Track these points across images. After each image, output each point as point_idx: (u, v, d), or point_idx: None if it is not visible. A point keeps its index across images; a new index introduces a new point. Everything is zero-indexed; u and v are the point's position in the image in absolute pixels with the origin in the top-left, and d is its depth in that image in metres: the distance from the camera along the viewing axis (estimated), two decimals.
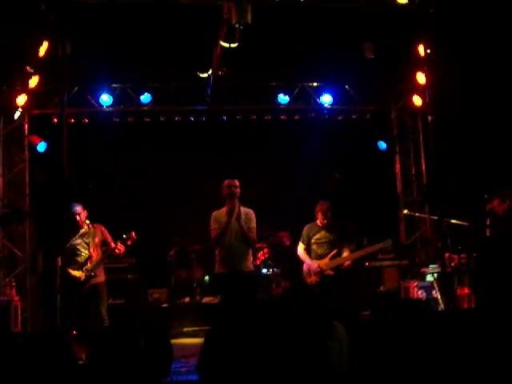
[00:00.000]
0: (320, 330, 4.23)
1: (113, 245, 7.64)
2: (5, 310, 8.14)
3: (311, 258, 7.87)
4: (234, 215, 7.18)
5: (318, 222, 7.89)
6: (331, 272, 7.69)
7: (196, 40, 8.00)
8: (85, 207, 7.71)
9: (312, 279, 7.74)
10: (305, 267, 7.91)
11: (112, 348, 2.99)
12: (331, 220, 7.85)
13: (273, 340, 2.42)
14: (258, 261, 9.19)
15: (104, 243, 7.69)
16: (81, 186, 8.45)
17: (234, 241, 7.19)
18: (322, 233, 7.87)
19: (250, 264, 7.37)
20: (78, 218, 7.62)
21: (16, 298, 8.47)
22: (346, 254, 7.81)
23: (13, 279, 8.90)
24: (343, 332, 4.59)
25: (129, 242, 7.62)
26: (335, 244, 7.81)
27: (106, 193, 9.54)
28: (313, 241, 7.89)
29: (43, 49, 8.01)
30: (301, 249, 8.01)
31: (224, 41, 7.32)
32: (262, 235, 8.68)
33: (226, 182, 7.26)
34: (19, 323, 8.44)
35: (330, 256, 7.75)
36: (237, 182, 7.25)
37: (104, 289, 7.66)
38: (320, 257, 7.82)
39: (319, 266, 7.74)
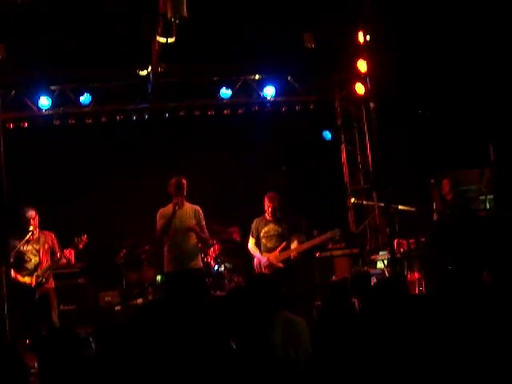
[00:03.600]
0: (265, 322, 4.23)
1: (59, 255, 7.48)
2: None
3: (261, 252, 7.88)
4: (180, 211, 7.18)
5: (267, 215, 7.90)
6: (281, 265, 7.72)
7: (133, 36, 7.87)
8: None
9: (263, 273, 7.76)
10: (255, 261, 7.95)
11: (59, 355, 2.93)
12: (279, 212, 7.87)
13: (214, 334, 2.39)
14: (210, 258, 9.13)
15: (52, 251, 7.53)
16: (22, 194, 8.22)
17: (181, 239, 7.20)
18: (271, 226, 7.88)
19: (198, 262, 7.39)
20: (31, 222, 7.44)
21: None
22: (294, 245, 7.86)
23: None
24: (298, 322, 4.59)
25: (80, 246, 7.49)
26: (284, 237, 7.84)
27: (51, 197, 9.31)
28: (262, 234, 7.91)
29: None
30: (251, 243, 8.02)
31: (161, 36, 7.20)
32: (212, 231, 8.64)
33: (173, 179, 7.27)
34: None
35: (279, 249, 7.78)
36: (183, 180, 7.27)
37: (54, 295, 7.51)
38: (270, 250, 7.84)
39: (268, 260, 7.75)
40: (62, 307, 8.25)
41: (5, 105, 8.81)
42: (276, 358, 3.78)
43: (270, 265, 7.74)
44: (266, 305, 4.32)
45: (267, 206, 7.86)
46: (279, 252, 7.76)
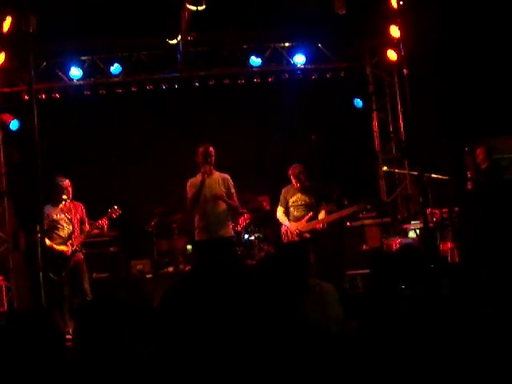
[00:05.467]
0: (295, 289, 4.24)
1: (88, 225, 7.59)
2: None
3: (289, 221, 7.88)
4: (208, 179, 7.18)
5: (294, 184, 7.89)
6: (307, 234, 7.73)
7: (163, 5, 7.82)
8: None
9: (292, 241, 7.78)
10: (283, 229, 7.95)
11: (98, 321, 2.97)
12: (307, 182, 7.85)
13: (244, 303, 2.39)
14: (240, 227, 9.17)
15: (81, 221, 7.65)
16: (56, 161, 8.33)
17: (210, 207, 7.22)
18: (299, 195, 7.87)
19: (229, 230, 7.42)
20: (65, 191, 7.54)
21: (0, 278, 8.44)
22: (321, 216, 7.84)
23: None
24: (329, 290, 4.59)
25: (114, 216, 7.60)
26: (312, 206, 7.82)
27: (82, 167, 9.42)
28: (290, 203, 7.90)
29: (7, 24, 7.82)
30: (279, 212, 8.02)
31: (191, 4, 7.15)
32: (242, 200, 8.66)
33: (201, 148, 7.25)
34: (5, 303, 8.43)
35: (306, 219, 7.77)
36: (211, 148, 7.24)
37: (85, 263, 7.64)
38: (297, 219, 7.84)
39: (297, 229, 7.75)
40: (94, 275, 8.41)
41: (37, 76, 8.88)
42: (305, 323, 3.79)
43: (298, 233, 7.75)
44: (295, 272, 4.33)
45: (292, 178, 7.86)
46: (306, 222, 7.77)
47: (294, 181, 7.83)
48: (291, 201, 7.89)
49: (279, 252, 6.54)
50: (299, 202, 7.85)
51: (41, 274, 7.10)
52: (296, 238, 7.71)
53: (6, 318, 5.40)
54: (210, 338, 2.08)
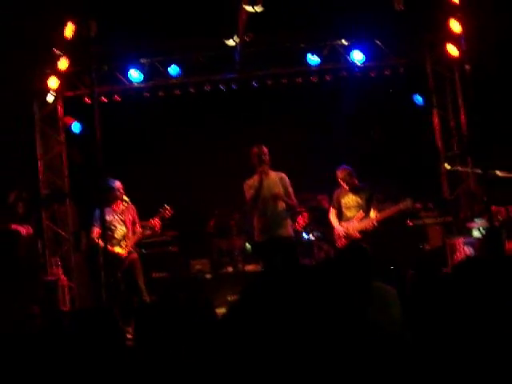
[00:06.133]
0: (359, 294, 4.16)
1: (139, 226, 7.71)
2: (53, 289, 8.30)
3: (342, 222, 7.91)
4: (266, 179, 7.18)
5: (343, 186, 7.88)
6: (358, 235, 7.69)
7: (220, 6, 7.85)
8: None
9: (341, 243, 7.80)
10: (335, 232, 8.01)
11: (159, 321, 2.99)
12: (357, 183, 7.81)
13: (312, 305, 2.36)
14: (298, 226, 9.14)
15: (133, 222, 7.77)
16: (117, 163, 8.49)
17: (270, 207, 7.22)
18: (350, 196, 7.90)
19: (289, 229, 7.39)
20: (118, 193, 7.68)
21: (63, 277, 8.64)
22: (373, 215, 7.80)
23: (58, 259, 9.06)
24: (389, 292, 4.50)
25: (166, 215, 7.68)
26: (363, 207, 7.77)
27: (143, 168, 9.56)
28: (342, 204, 7.96)
29: (68, 30, 8.01)
30: (332, 214, 8.10)
31: (248, 4, 7.14)
32: (301, 199, 8.64)
33: (254, 149, 7.27)
34: (67, 302, 8.62)
35: (357, 219, 7.73)
36: (265, 148, 7.25)
37: (139, 263, 7.75)
38: (349, 220, 7.87)
39: (347, 229, 7.72)
40: (154, 275, 8.53)
41: (98, 79, 9.05)
42: (371, 328, 3.72)
43: (347, 235, 7.73)
44: (360, 276, 4.25)
45: (340, 181, 7.87)
46: (357, 222, 7.72)
47: (342, 183, 7.85)
48: (343, 202, 7.93)
49: (339, 255, 6.49)
50: (351, 203, 7.88)
51: (102, 274, 7.30)
52: (344, 241, 7.70)
53: (68, 317, 5.52)
54: (282, 342, 2.05)
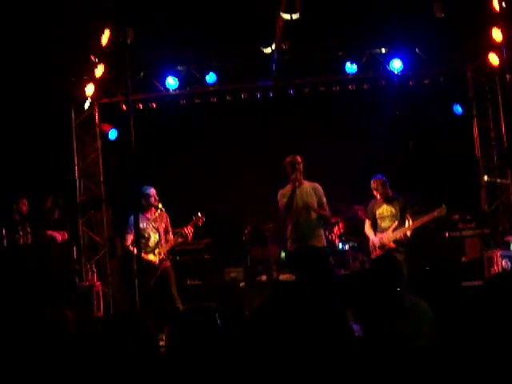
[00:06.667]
0: (393, 307, 4.08)
1: (171, 234, 7.74)
2: (88, 295, 8.34)
3: (377, 233, 7.85)
4: (299, 189, 7.14)
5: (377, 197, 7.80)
6: (393, 245, 7.60)
7: (257, 14, 7.84)
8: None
9: (376, 254, 7.76)
10: (370, 243, 7.95)
11: (192, 329, 2.98)
12: (390, 193, 7.73)
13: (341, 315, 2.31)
14: (334, 235, 9.07)
15: (166, 230, 7.78)
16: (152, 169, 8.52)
17: (302, 217, 7.18)
18: (384, 206, 7.85)
19: (321, 239, 7.32)
20: (152, 200, 7.70)
21: (97, 283, 8.68)
22: (408, 224, 7.72)
23: (93, 265, 9.12)
24: (425, 308, 4.40)
25: (199, 223, 7.69)
26: (397, 217, 7.70)
27: (178, 175, 9.58)
28: (377, 215, 7.90)
29: (105, 37, 8.07)
30: (366, 225, 8.06)
31: (285, 12, 7.11)
32: (338, 209, 8.55)
33: (288, 158, 7.25)
34: (101, 307, 8.66)
35: (391, 229, 7.66)
36: (299, 158, 7.23)
37: (172, 270, 7.76)
38: (383, 230, 7.82)
39: (381, 240, 7.65)
40: (188, 282, 8.52)
41: (134, 86, 9.10)
42: (400, 340, 3.65)
43: (382, 245, 7.67)
44: (393, 289, 4.18)
45: (373, 192, 7.80)
46: (392, 232, 7.62)
47: (375, 193, 7.84)
48: (378, 213, 7.88)
49: (375, 267, 6.44)
50: (385, 213, 7.83)
51: (136, 281, 7.32)
52: (379, 251, 7.63)
53: (101, 323, 5.52)
54: (306, 351, 2.01)
